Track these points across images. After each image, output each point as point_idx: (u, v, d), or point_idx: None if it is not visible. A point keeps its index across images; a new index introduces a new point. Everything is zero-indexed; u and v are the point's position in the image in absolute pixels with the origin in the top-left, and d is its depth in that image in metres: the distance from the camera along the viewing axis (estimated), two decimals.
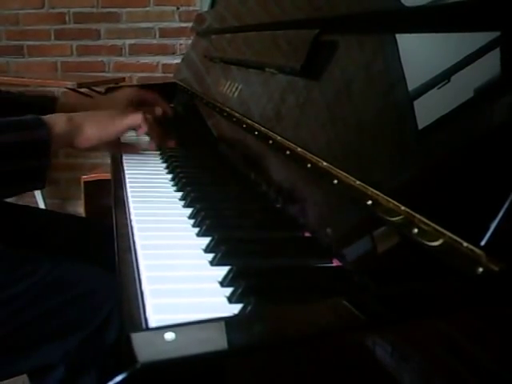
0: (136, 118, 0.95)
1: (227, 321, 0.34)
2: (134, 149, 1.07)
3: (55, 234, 1.03)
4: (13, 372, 0.85)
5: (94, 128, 0.91)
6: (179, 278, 0.52)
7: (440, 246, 0.40)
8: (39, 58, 2.84)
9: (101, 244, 0.91)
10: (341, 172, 0.55)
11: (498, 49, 0.45)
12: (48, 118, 0.86)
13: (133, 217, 0.68)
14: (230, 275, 0.50)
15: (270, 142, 0.75)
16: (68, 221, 1.12)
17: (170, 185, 0.85)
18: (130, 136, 1.12)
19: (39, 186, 0.85)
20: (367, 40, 0.64)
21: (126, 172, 0.90)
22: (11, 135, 0.80)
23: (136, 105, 1.14)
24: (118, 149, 1.05)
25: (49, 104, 1.10)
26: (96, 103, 1.21)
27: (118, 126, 0.94)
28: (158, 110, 1.14)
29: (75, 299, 0.82)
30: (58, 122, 0.86)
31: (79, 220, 1.29)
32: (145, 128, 0.96)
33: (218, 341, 0.32)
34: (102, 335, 0.80)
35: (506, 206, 0.36)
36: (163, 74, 2.75)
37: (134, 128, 0.98)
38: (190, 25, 1.90)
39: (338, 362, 0.33)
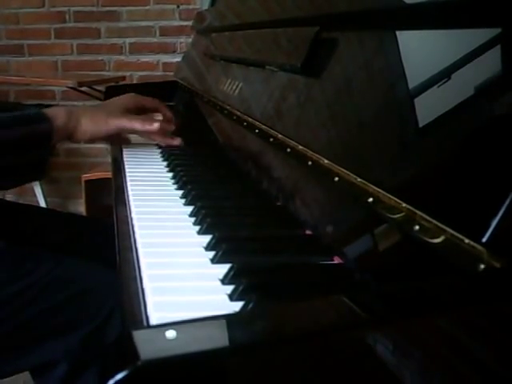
0: (133, 123, 0.99)
1: (228, 319, 0.34)
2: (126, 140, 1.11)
3: (56, 232, 1.03)
4: (15, 370, 0.85)
5: (88, 123, 0.95)
6: (180, 275, 0.52)
7: (441, 242, 0.39)
8: (40, 57, 2.84)
9: (101, 243, 0.91)
10: (342, 169, 0.55)
11: (498, 46, 0.45)
12: (50, 111, 0.89)
13: (134, 215, 0.68)
14: (231, 273, 0.50)
15: (271, 139, 0.75)
16: (69, 219, 1.12)
17: (170, 183, 0.85)
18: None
19: (40, 176, 0.92)
20: (367, 37, 0.64)
21: (126, 171, 0.90)
22: (15, 130, 0.82)
23: (134, 111, 1.09)
24: (117, 142, 1.11)
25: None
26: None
27: (109, 125, 0.98)
28: (158, 117, 1.11)
29: (76, 297, 0.82)
30: (59, 115, 0.90)
31: (80, 219, 1.29)
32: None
33: (219, 338, 0.32)
34: (104, 332, 0.80)
35: (507, 202, 0.36)
36: (163, 73, 2.74)
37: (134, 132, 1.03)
38: (190, 23, 1.89)
39: (339, 360, 0.33)
